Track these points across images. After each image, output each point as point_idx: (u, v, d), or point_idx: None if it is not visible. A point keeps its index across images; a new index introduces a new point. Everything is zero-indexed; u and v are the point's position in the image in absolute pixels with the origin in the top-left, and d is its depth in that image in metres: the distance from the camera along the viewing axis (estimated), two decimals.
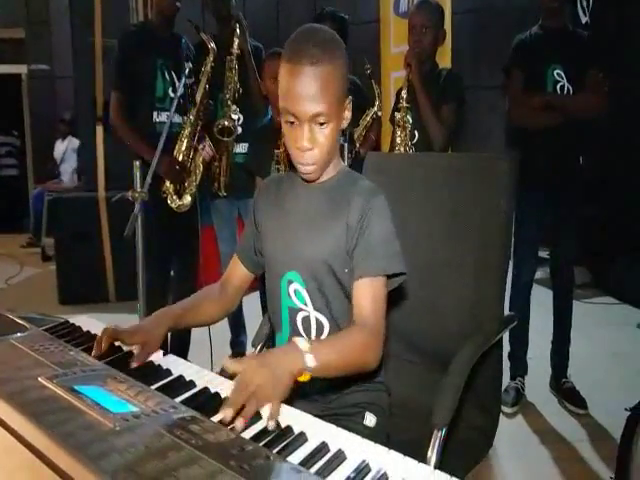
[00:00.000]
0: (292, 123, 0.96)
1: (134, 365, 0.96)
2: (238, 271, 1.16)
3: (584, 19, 3.92)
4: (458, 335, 1.26)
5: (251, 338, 2.80)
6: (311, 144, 0.96)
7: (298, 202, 1.07)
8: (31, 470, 0.60)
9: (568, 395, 2.29)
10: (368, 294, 0.97)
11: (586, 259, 3.83)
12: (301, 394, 1.00)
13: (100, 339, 0.98)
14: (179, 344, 2.31)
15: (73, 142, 5.79)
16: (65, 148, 5.80)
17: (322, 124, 0.95)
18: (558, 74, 2.20)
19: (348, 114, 1.01)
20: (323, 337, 1.04)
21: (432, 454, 0.97)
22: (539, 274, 2.54)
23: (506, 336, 1.35)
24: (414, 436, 1.13)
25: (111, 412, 0.71)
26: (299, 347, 0.83)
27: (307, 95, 0.92)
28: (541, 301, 2.52)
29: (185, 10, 2.30)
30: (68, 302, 3.67)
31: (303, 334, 1.05)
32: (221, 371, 2.93)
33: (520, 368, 2.38)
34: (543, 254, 2.72)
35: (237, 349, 2.69)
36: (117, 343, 1.01)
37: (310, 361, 0.82)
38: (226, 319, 2.66)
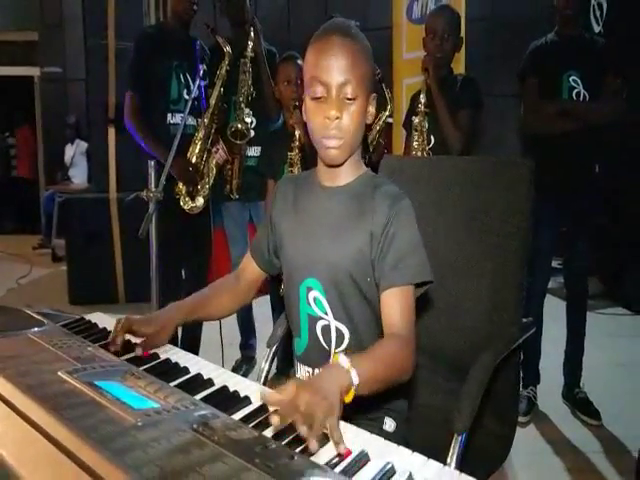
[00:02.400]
0: (319, 99, 0.94)
1: (139, 352, 0.97)
2: (251, 267, 1.16)
3: (597, 28, 3.91)
4: (475, 340, 1.24)
5: (260, 342, 2.80)
6: (340, 112, 0.93)
7: (318, 205, 1.04)
8: (54, 463, 0.59)
9: (581, 406, 2.26)
10: (397, 304, 0.94)
11: (598, 269, 3.80)
12: None
13: (115, 336, 0.98)
14: (190, 343, 2.30)
15: (81, 145, 5.81)
16: (74, 152, 5.83)
17: (350, 99, 0.93)
18: (574, 80, 2.19)
19: (372, 110, 0.99)
20: (343, 346, 1.02)
21: (452, 460, 0.96)
22: (551, 284, 2.51)
23: None
24: (430, 441, 1.11)
25: (132, 407, 0.70)
26: (341, 364, 0.79)
27: (338, 63, 0.92)
28: (553, 311, 2.49)
29: (199, 12, 2.30)
30: (78, 302, 3.68)
31: (323, 342, 1.03)
32: (233, 370, 2.89)
33: (532, 377, 2.36)
34: (555, 264, 2.69)
35: (247, 352, 2.68)
36: (133, 340, 1.01)
37: (355, 377, 0.78)
38: (236, 322, 2.65)
